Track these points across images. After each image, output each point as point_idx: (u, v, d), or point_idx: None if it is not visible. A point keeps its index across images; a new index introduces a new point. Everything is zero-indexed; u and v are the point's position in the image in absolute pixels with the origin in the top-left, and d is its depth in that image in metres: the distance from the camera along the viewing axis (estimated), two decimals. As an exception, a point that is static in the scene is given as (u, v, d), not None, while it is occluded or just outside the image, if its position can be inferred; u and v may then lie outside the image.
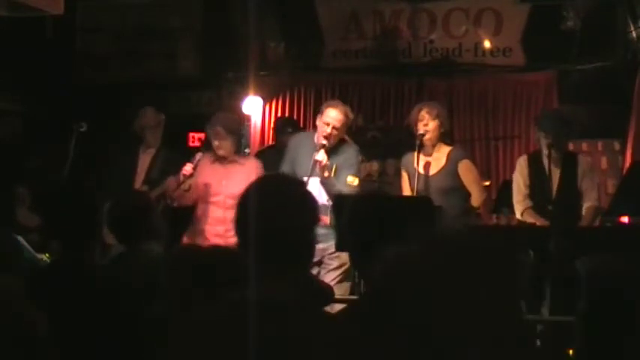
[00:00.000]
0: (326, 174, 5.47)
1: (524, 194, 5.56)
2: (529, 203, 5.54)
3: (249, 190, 2.14)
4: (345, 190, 5.41)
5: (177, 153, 6.31)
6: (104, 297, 2.96)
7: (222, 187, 5.81)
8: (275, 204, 2.03)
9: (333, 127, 5.60)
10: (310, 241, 2.11)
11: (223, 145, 5.81)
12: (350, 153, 5.75)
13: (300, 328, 1.69)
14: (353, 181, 5.59)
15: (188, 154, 5.95)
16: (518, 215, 5.62)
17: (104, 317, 2.88)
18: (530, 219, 5.51)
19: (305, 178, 5.29)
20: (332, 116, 5.62)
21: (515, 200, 5.62)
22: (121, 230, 3.78)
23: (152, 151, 6.26)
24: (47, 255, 4.49)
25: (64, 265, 3.13)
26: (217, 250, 2.82)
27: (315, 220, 2.18)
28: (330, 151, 5.60)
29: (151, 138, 6.27)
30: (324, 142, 5.56)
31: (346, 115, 5.69)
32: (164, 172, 6.08)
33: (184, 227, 5.98)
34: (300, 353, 1.63)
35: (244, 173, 5.82)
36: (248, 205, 2.07)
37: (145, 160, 6.24)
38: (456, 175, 5.62)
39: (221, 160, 5.87)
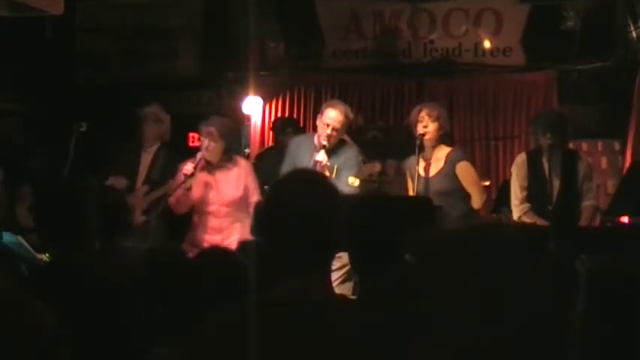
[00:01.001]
0: (326, 174, 5.46)
1: (521, 198, 5.56)
2: (526, 207, 5.53)
3: (278, 187, 2.11)
4: (346, 190, 5.38)
5: (177, 152, 6.28)
6: (100, 296, 2.95)
7: (214, 196, 5.75)
8: (307, 201, 2.00)
9: (333, 128, 5.60)
10: (335, 239, 2.07)
11: (211, 148, 5.70)
12: (350, 153, 5.75)
13: (336, 326, 1.69)
14: (354, 181, 5.59)
15: (188, 154, 5.94)
16: (515, 217, 5.62)
17: (100, 317, 2.88)
18: (529, 222, 5.50)
19: None
20: (332, 117, 5.62)
21: (513, 204, 5.62)
22: (101, 228, 3.78)
23: (152, 150, 6.22)
24: (47, 255, 4.49)
25: (60, 265, 3.12)
26: (215, 251, 2.82)
27: (339, 215, 2.13)
28: (331, 152, 5.61)
29: (148, 134, 6.19)
30: (325, 142, 5.56)
31: (346, 116, 5.68)
32: (165, 171, 6.05)
33: (183, 229, 5.96)
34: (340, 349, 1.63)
35: (234, 178, 5.79)
36: (277, 202, 2.03)
37: (146, 160, 6.20)
38: (454, 177, 5.61)
39: (209, 168, 5.79)
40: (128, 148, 6.31)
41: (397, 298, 2.25)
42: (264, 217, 2.02)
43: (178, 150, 6.60)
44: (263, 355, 1.67)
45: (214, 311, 1.96)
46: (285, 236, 1.96)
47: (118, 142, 6.41)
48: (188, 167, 5.64)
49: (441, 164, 5.63)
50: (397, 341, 1.52)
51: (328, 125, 5.59)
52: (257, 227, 4.38)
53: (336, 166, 5.58)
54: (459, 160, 5.67)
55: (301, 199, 1.98)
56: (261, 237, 2.06)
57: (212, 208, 5.77)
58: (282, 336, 1.68)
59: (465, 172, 5.65)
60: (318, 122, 5.74)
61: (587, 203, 5.50)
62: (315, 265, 1.96)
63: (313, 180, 2.10)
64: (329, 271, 2.12)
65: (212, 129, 5.71)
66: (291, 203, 1.98)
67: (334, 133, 5.60)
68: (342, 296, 2.36)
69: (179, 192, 5.69)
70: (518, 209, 5.57)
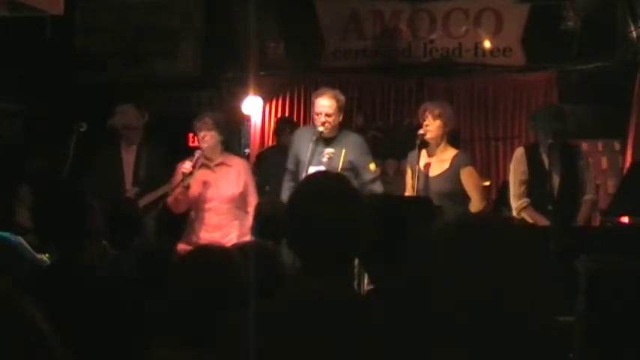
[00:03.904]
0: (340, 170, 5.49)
1: (519, 193, 5.58)
2: (525, 202, 5.55)
3: (301, 190, 2.12)
4: (370, 177, 5.59)
5: (158, 148, 6.27)
6: (102, 297, 2.95)
7: (214, 192, 5.79)
8: (330, 202, 2.00)
9: (326, 114, 5.61)
10: (358, 240, 2.07)
11: (208, 138, 5.76)
12: (355, 141, 5.76)
13: (360, 325, 1.70)
14: (374, 168, 5.71)
15: (188, 154, 5.95)
16: (514, 213, 5.64)
17: (102, 317, 2.88)
18: (528, 217, 5.52)
19: (312, 168, 5.39)
20: (322, 104, 5.65)
21: (511, 199, 5.65)
22: (115, 230, 3.80)
23: (134, 148, 6.23)
24: (47, 255, 4.49)
25: (61, 266, 3.12)
26: (214, 250, 2.81)
27: (361, 215, 2.13)
28: (334, 141, 5.62)
29: (134, 136, 6.22)
30: (321, 129, 5.58)
31: (337, 100, 5.67)
32: (150, 170, 6.07)
33: (183, 227, 5.97)
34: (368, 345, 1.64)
35: (234, 175, 5.83)
36: (301, 205, 2.04)
37: (129, 159, 6.21)
38: (457, 181, 5.63)
39: (208, 163, 5.83)
40: (108, 148, 6.31)
41: (410, 298, 2.28)
42: (288, 220, 2.03)
43: (178, 150, 6.61)
44: (285, 355, 1.68)
45: (229, 311, 1.97)
46: (309, 238, 1.96)
47: (104, 142, 6.40)
48: (187, 166, 5.69)
49: (446, 166, 5.64)
50: (418, 341, 1.53)
51: (320, 113, 5.61)
52: (259, 227, 4.40)
53: (344, 151, 5.58)
54: (465, 166, 5.70)
55: (326, 201, 1.99)
56: (262, 237, 2.07)
57: (211, 204, 5.80)
58: (306, 335, 1.69)
59: (468, 177, 5.68)
60: (313, 115, 5.78)
61: (586, 197, 5.54)
62: (338, 266, 1.97)
63: (336, 183, 2.11)
64: (352, 272, 2.13)
65: (206, 119, 5.81)
66: (316, 206, 1.98)
67: (328, 119, 5.60)
68: (365, 296, 2.37)
69: (178, 191, 5.72)
70: (516, 204, 5.59)
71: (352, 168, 5.54)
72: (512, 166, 5.73)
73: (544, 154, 5.54)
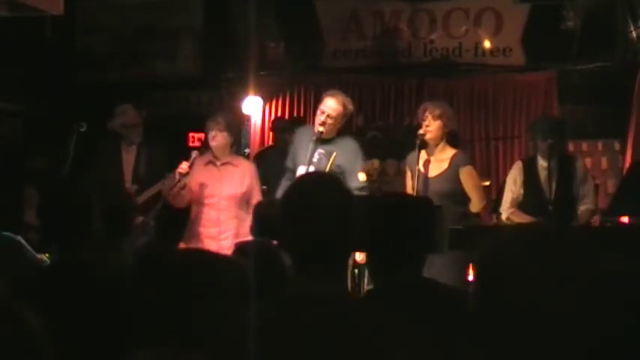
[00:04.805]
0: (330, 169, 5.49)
1: (509, 205, 5.66)
2: (514, 208, 5.63)
3: (295, 190, 2.13)
4: (356, 185, 5.43)
5: (157, 147, 6.29)
6: (102, 297, 2.96)
7: (216, 189, 5.83)
8: (325, 203, 2.01)
9: (328, 115, 5.57)
10: (351, 240, 2.09)
11: (218, 137, 5.82)
12: (349, 146, 5.71)
13: (355, 323, 1.71)
14: (364, 177, 5.62)
15: (188, 154, 5.95)
16: (504, 217, 5.69)
17: (102, 317, 2.88)
18: (519, 219, 5.55)
19: (304, 167, 5.37)
20: (328, 105, 5.62)
21: (502, 208, 5.72)
22: (110, 227, 3.80)
23: (134, 148, 6.24)
24: (47, 255, 4.49)
25: (61, 266, 3.13)
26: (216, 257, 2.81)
27: (354, 216, 2.15)
28: (329, 143, 5.61)
29: (134, 136, 6.22)
30: (321, 129, 5.57)
31: (344, 106, 5.64)
32: (149, 168, 6.09)
33: (182, 227, 5.98)
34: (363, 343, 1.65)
35: (238, 175, 5.87)
36: (295, 204, 2.05)
37: (128, 158, 6.23)
38: (456, 181, 5.62)
39: (215, 161, 5.89)
40: (108, 148, 6.32)
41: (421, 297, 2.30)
42: (282, 219, 2.04)
43: (178, 150, 6.62)
44: (283, 355, 1.69)
45: (228, 311, 1.97)
46: (302, 237, 1.97)
47: (105, 141, 6.41)
48: (183, 166, 5.73)
49: (445, 166, 5.64)
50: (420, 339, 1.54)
51: (323, 112, 5.59)
52: (258, 227, 4.40)
53: (334, 155, 5.57)
54: (464, 165, 5.69)
55: (319, 201, 2.00)
56: (262, 237, 2.08)
57: (212, 200, 5.84)
58: (302, 334, 1.70)
59: (468, 177, 5.67)
60: (317, 110, 5.78)
61: (583, 208, 5.54)
62: (330, 266, 1.97)
63: (329, 183, 2.12)
64: (345, 270, 2.14)
65: (219, 119, 5.89)
66: (310, 205, 1.99)
67: (328, 121, 5.57)
68: (364, 294, 2.38)
69: (174, 190, 5.78)
70: (505, 211, 5.70)
71: (341, 172, 5.49)
72: (508, 178, 5.79)
73: (542, 162, 5.57)
